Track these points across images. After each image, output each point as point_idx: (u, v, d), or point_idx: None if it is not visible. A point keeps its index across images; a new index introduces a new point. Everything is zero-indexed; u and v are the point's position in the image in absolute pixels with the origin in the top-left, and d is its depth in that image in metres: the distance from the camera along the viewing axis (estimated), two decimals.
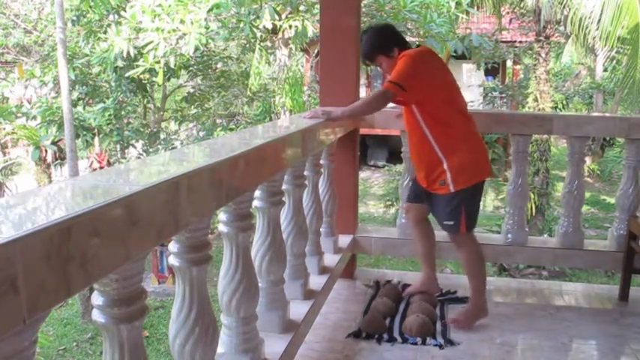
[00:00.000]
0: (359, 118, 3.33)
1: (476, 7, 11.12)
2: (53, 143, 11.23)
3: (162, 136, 11.63)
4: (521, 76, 16.74)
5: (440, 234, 3.16)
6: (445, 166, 2.76)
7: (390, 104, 2.90)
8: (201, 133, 11.63)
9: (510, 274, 9.26)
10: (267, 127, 2.68)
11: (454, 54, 10.48)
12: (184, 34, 8.57)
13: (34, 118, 11.13)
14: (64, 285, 0.89)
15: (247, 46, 10.35)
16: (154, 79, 10.26)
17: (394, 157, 14.81)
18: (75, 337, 8.23)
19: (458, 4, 9.56)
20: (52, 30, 11.62)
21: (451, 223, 2.82)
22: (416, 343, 2.70)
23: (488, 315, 2.93)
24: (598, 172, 15.72)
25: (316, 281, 2.69)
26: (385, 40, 2.87)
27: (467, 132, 2.84)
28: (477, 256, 2.92)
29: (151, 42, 8.62)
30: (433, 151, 2.78)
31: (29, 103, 12.13)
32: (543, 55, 11.02)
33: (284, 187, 2.26)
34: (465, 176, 2.77)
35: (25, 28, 13.39)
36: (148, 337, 7.79)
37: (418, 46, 3.05)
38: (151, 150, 10.87)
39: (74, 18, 10.48)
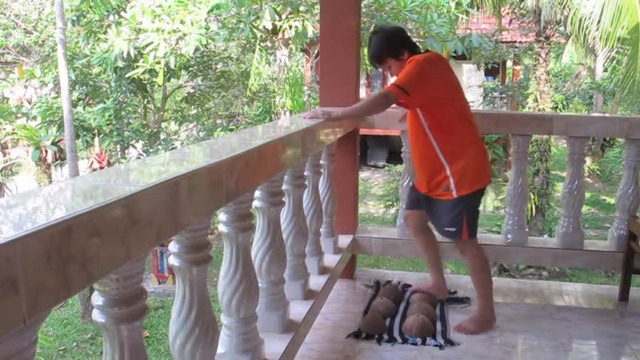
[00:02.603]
0: (360, 119, 3.32)
1: (476, 8, 11.12)
2: (53, 143, 11.24)
3: (162, 136, 11.64)
4: (521, 76, 16.73)
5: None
6: (448, 172, 2.75)
7: (394, 106, 2.87)
8: (201, 134, 11.64)
9: (510, 275, 9.27)
10: (267, 127, 2.68)
11: (454, 54, 10.49)
12: (184, 35, 8.58)
13: (35, 118, 11.15)
14: (64, 285, 0.89)
15: (247, 46, 10.35)
16: (154, 79, 10.27)
17: (394, 157, 14.82)
18: (75, 337, 8.24)
19: (458, 4, 9.56)
20: (52, 30, 11.63)
21: (453, 229, 2.80)
22: (416, 344, 2.70)
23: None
24: (598, 172, 15.72)
25: (316, 281, 2.69)
26: (395, 43, 2.82)
27: (471, 138, 2.81)
28: (483, 264, 2.90)
29: (151, 42, 8.63)
30: (437, 156, 2.77)
31: (29, 103, 12.14)
32: (543, 56, 11.02)
33: (284, 187, 2.25)
34: (469, 182, 2.75)
35: (25, 29, 13.40)
36: (148, 337, 7.80)
37: (427, 50, 3.02)
38: (151, 150, 10.88)
39: (74, 18, 10.48)
